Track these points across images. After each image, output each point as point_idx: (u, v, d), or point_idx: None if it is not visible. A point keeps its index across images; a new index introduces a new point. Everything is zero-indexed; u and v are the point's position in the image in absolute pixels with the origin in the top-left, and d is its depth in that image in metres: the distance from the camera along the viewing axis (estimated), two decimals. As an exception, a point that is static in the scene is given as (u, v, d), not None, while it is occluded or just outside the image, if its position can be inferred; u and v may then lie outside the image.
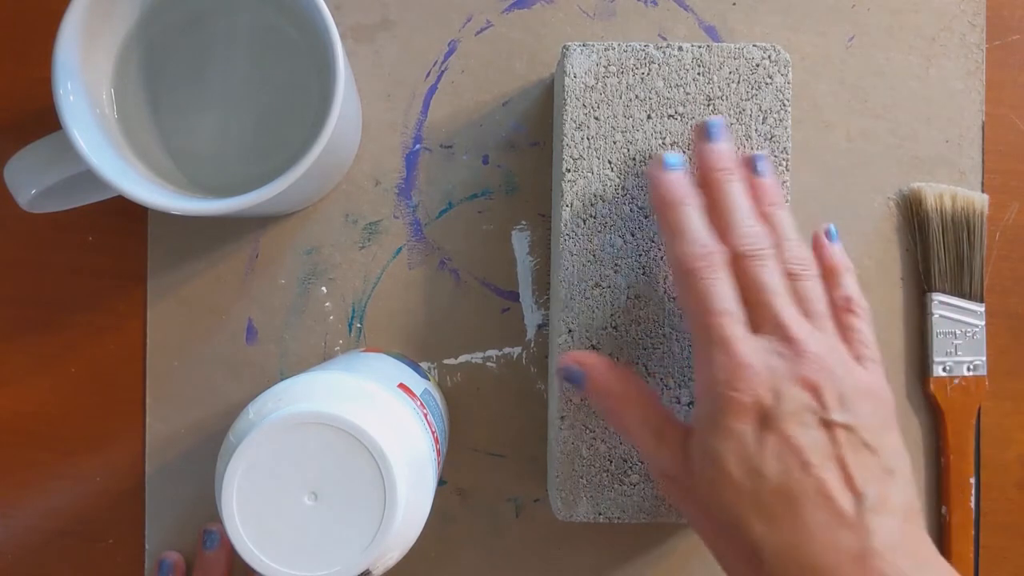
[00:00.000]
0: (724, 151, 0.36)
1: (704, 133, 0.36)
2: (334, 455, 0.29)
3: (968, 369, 0.42)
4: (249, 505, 0.29)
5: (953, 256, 0.42)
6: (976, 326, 0.42)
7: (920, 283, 0.43)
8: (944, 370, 0.42)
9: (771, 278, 0.34)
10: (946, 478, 0.42)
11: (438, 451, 0.35)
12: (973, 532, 0.42)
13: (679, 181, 0.35)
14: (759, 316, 0.34)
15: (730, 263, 0.34)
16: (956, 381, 0.42)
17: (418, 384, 0.37)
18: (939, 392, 0.42)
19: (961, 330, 0.42)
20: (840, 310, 0.35)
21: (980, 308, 0.42)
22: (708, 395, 0.33)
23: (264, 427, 0.29)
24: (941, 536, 0.42)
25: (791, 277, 0.35)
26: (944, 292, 0.42)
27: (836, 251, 0.37)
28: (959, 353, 0.42)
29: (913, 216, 0.42)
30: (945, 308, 0.42)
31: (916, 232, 0.43)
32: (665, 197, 0.35)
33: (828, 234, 0.37)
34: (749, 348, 0.32)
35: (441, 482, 0.43)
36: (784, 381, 0.32)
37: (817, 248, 0.37)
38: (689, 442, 0.33)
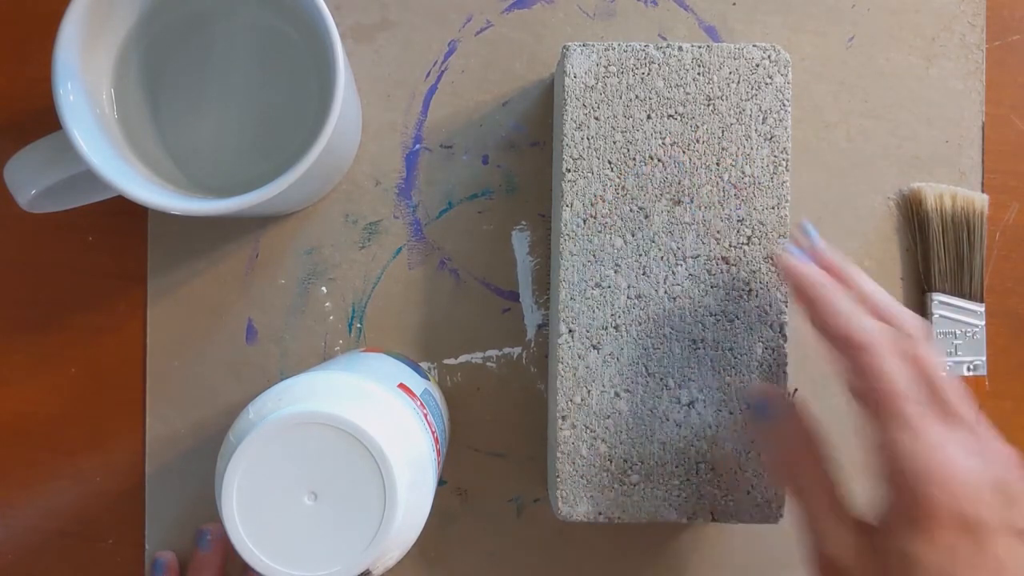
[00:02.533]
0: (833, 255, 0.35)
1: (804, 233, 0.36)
2: (334, 455, 0.29)
3: (968, 369, 0.42)
4: (249, 505, 0.29)
5: (953, 256, 0.42)
6: (976, 326, 0.42)
7: (920, 283, 0.43)
8: (944, 370, 0.42)
9: (941, 371, 0.31)
10: None
11: (438, 451, 0.35)
12: None
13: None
14: (936, 406, 0.31)
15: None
16: None
17: (418, 384, 0.37)
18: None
19: (961, 330, 0.42)
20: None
21: (980, 308, 0.42)
22: (898, 486, 0.29)
23: (264, 427, 0.29)
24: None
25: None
26: (944, 292, 0.42)
27: (912, 319, 0.33)
28: (959, 353, 0.42)
29: (913, 216, 0.42)
30: (945, 308, 0.42)
31: (916, 232, 0.42)
32: (815, 280, 0.34)
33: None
34: (944, 440, 0.29)
35: (441, 482, 0.43)
36: (984, 486, 0.28)
37: (887, 314, 0.33)
38: (878, 537, 0.29)
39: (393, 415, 0.31)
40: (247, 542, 0.29)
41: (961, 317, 0.42)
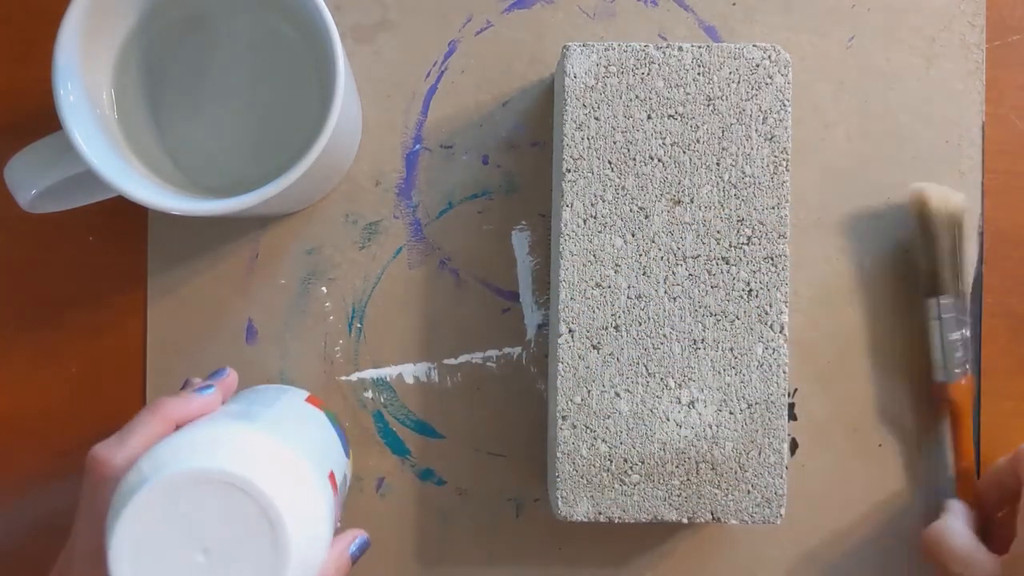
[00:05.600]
0: None
1: None
2: (227, 514, 0.29)
3: (968, 370, 0.42)
4: (140, 561, 0.29)
5: (953, 257, 0.42)
6: (967, 323, 0.42)
7: (920, 284, 0.43)
8: (944, 371, 0.42)
9: None
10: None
11: (336, 493, 0.34)
12: None
13: None
14: None
15: None
16: (957, 382, 0.42)
17: (340, 461, 0.37)
18: (939, 394, 0.42)
19: (960, 331, 0.42)
20: None
21: (979, 309, 0.42)
22: None
23: (155, 484, 0.29)
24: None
25: None
26: (944, 294, 0.42)
27: None
28: (959, 354, 0.42)
29: (915, 217, 0.42)
30: (944, 309, 0.42)
31: (917, 232, 0.42)
32: None
33: None
34: None
35: (441, 482, 0.43)
36: None
37: None
38: None
39: (287, 471, 0.31)
40: None
41: (960, 317, 0.42)
